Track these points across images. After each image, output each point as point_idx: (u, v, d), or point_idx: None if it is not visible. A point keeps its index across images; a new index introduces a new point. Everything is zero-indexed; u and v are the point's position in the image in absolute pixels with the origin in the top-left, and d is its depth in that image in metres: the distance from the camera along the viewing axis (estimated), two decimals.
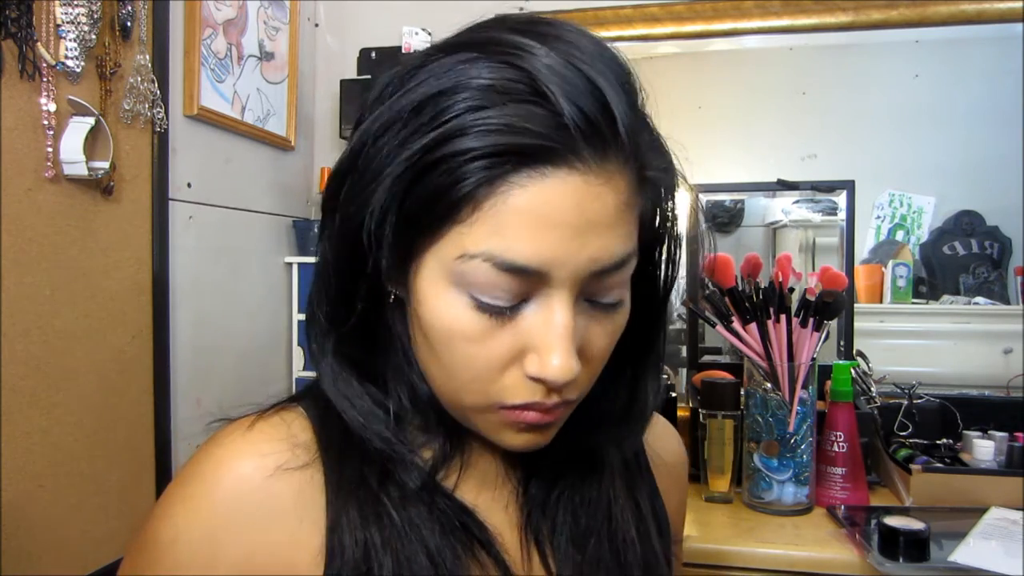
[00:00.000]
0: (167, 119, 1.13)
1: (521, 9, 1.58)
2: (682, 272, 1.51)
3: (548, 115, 0.36)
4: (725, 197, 1.64)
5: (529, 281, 0.38)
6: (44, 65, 0.91)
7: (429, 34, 1.52)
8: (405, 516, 0.43)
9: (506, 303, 0.39)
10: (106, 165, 0.99)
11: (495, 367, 0.40)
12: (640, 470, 0.56)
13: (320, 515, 0.43)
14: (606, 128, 0.37)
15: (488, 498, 0.48)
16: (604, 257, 0.39)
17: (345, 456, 0.45)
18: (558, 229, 0.37)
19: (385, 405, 0.46)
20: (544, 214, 0.37)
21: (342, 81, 1.58)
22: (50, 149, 0.92)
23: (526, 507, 0.49)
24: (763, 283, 1.13)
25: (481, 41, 0.39)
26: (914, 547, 0.89)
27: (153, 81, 1.08)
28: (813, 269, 1.53)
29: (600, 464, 0.51)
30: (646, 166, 0.41)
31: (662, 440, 0.59)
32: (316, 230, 0.50)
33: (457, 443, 0.47)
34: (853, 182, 1.43)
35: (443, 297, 0.39)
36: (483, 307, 0.39)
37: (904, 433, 1.26)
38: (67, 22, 0.92)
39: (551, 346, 0.39)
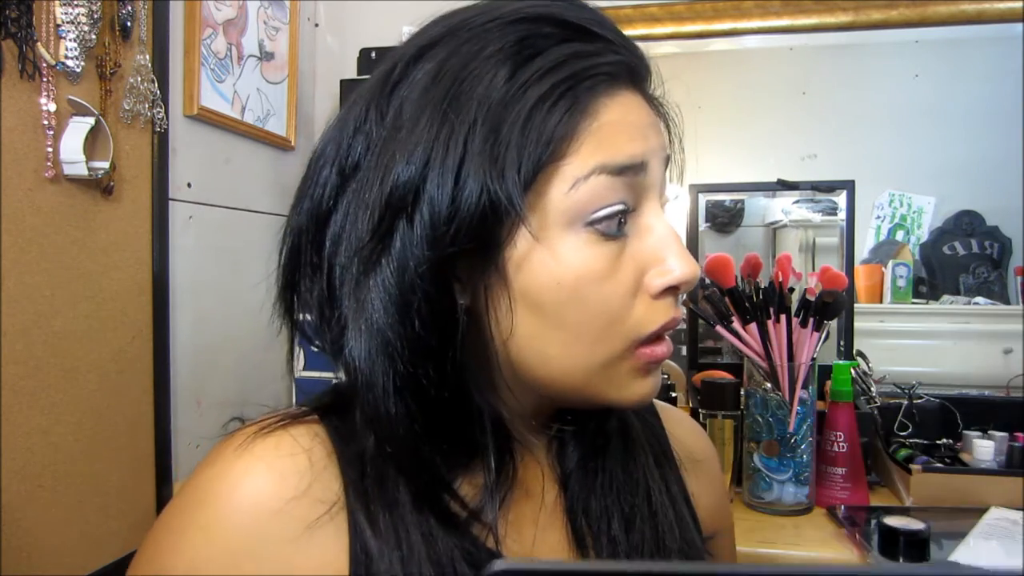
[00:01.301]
0: (167, 119, 1.13)
1: None
2: None
3: (598, 42, 0.41)
4: (725, 197, 1.64)
5: (632, 187, 0.41)
6: (44, 65, 0.91)
7: None
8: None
9: (622, 207, 0.40)
10: (106, 165, 0.99)
11: (627, 299, 0.41)
12: (668, 460, 0.55)
13: (342, 545, 0.40)
14: (636, 49, 0.43)
15: (532, 515, 0.47)
16: (666, 145, 0.45)
17: (384, 500, 0.41)
18: (642, 129, 0.42)
19: (446, 453, 0.42)
20: (630, 120, 0.41)
21: (342, 81, 1.58)
22: (50, 149, 0.92)
23: (569, 509, 0.48)
24: (763, 283, 1.13)
25: (473, 16, 0.41)
26: (914, 547, 0.88)
27: (153, 81, 1.08)
28: (813, 269, 1.53)
29: (632, 445, 0.51)
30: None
31: (691, 437, 0.59)
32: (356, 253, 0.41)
33: (508, 466, 0.44)
34: (853, 182, 1.43)
35: (563, 245, 0.40)
36: (603, 233, 0.40)
37: (904, 433, 1.26)
38: (67, 22, 0.92)
39: (669, 252, 0.42)
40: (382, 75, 0.42)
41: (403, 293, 0.38)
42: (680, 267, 0.41)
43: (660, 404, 0.59)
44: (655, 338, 0.42)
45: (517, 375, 0.43)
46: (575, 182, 0.39)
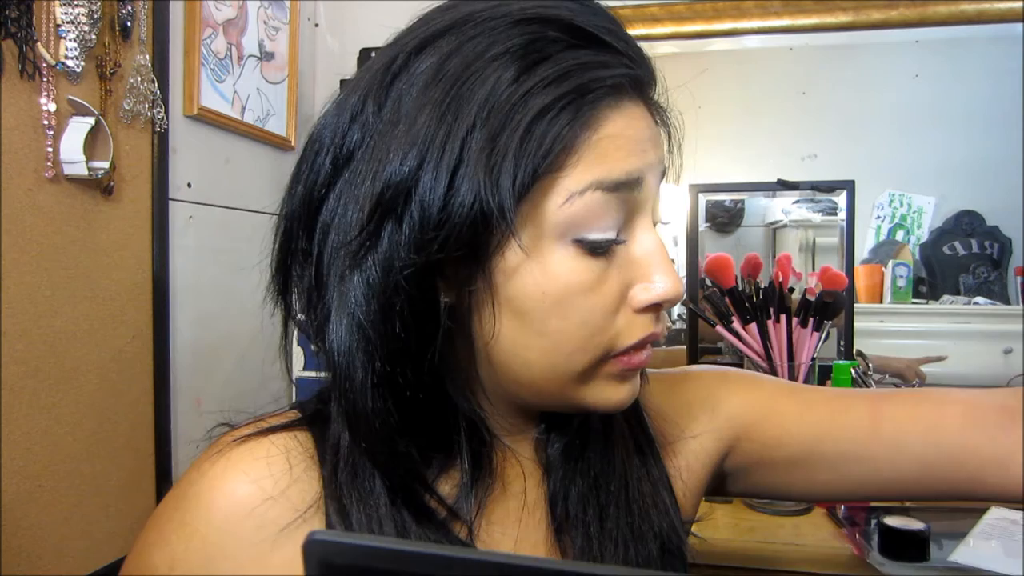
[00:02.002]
0: (167, 119, 1.13)
1: None
2: (682, 273, 1.51)
3: (606, 51, 0.40)
4: (725, 197, 1.64)
5: (627, 202, 0.41)
6: (44, 65, 0.91)
7: None
8: None
9: (612, 234, 0.40)
10: (106, 165, 0.99)
11: (610, 312, 0.41)
12: (649, 447, 0.54)
13: None
14: (644, 58, 0.43)
15: (515, 513, 0.47)
16: (664, 159, 0.44)
17: (358, 492, 0.42)
18: (641, 143, 0.41)
19: (422, 449, 0.42)
20: (630, 135, 0.41)
21: (342, 81, 1.57)
22: (50, 149, 0.92)
23: (551, 500, 0.48)
24: (763, 283, 1.13)
25: (479, 10, 0.40)
26: (914, 547, 0.89)
27: (153, 81, 1.08)
28: (813, 269, 1.54)
29: (612, 436, 0.51)
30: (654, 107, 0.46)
31: (665, 403, 0.56)
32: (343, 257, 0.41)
33: (485, 464, 0.45)
34: (853, 182, 1.43)
35: (552, 256, 0.39)
36: (592, 249, 0.40)
37: None
38: (67, 22, 0.92)
39: (655, 268, 0.42)
40: (382, 64, 0.41)
41: (386, 293, 0.38)
42: (664, 285, 0.41)
43: (652, 376, 0.58)
44: (638, 344, 0.42)
45: (496, 377, 0.43)
46: (570, 196, 0.38)
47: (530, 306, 0.39)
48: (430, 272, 0.39)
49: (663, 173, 0.44)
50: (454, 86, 0.38)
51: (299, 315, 0.46)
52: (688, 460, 0.54)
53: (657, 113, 0.45)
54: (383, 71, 0.41)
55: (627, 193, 0.40)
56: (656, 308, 0.42)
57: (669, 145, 0.46)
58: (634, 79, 0.41)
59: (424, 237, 0.37)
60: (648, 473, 0.52)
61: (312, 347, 0.44)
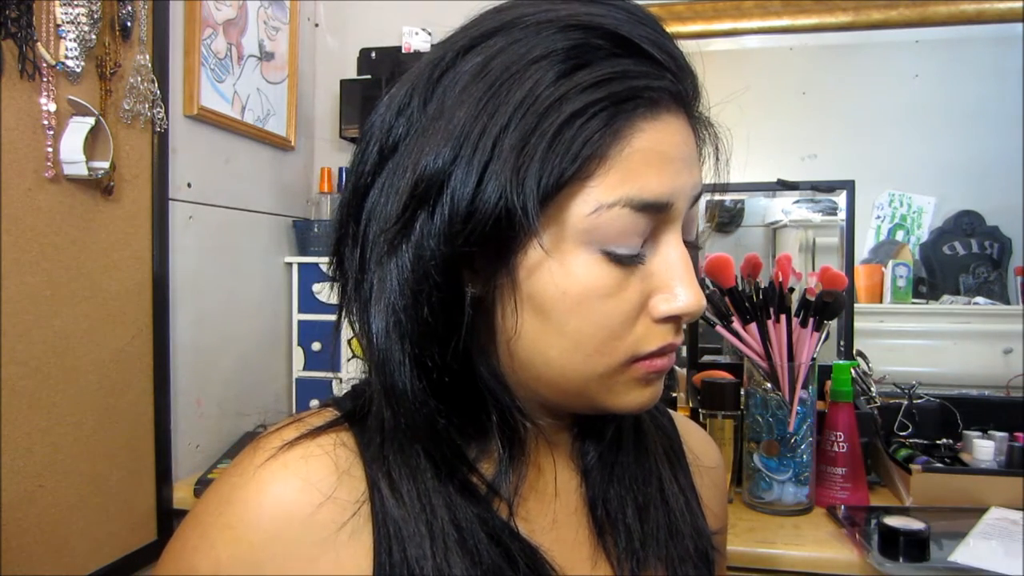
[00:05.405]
0: (167, 119, 1.13)
1: None
2: None
3: (648, 63, 0.40)
4: (725, 197, 1.64)
5: (655, 219, 0.41)
6: (44, 65, 0.91)
7: (429, 34, 1.52)
8: (487, 561, 0.42)
9: (637, 247, 0.41)
10: (106, 165, 0.99)
11: (629, 319, 0.41)
12: (677, 455, 0.57)
13: (367, 542, 0.42)
14: (688, 72, 0.42)
15: (549, 502, 0.48)
16: (699, 182, 0.43)
17: (407, 466, 0.43)
18: (675, 163, 0.41)
19: (460, 429, 0.43)
20: (664, 151, 0.40)
21: (342, 81, 1.58)
22: (50, 149, 0.93)
23: (591, 501, 0.49)
24: (763, 283, 1.13)
25: (529, 13, 0.40)
26: (914, 547, 0.89)
27: (153, 81, 1.08)
28: (813, 269, 1.53)
29: (643, 437, 0.53)
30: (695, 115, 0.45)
31: (701, 445, 0.61)
32: (347, 236, 0.44)
33: (520, 451, 0.46)
34: (853, 182, 1.43)
35: (574, 259, 0.40)
36: (615, 258, 0.40)
37: (904, 433, 1.26)
38: (67, 22, 0.92)
39: (678, 281, 0.42)
40: (431, 61, 0.42)
41: (417, 280, 0.40)
42: (686, 298, 0.42)
43: (675, 414, 0.61)
44: (657, 351, 0.43)
45: (520, 374, 0.44)
46: (598, 207, 0.39)
47: (550, 305, 0.40)
48: (458, 263, 0.40)
49: (697, 197, 0.44)
50: (493, 86, 0.39)
51: (350, 298, 0.47)
52: (701, 483, 0.57)
53: (702, 129, 0.45)
54: (431, 67, 0.42)
55: (655, 213, 0.41)
56: (676, 320, 0.43)
57: (717, 159, 0.47)
58: (674, 93, 0.41)
59: (452, 230, 0.39)
60: (677, 478, 0.54)
61: (355, 327, 0.46)
